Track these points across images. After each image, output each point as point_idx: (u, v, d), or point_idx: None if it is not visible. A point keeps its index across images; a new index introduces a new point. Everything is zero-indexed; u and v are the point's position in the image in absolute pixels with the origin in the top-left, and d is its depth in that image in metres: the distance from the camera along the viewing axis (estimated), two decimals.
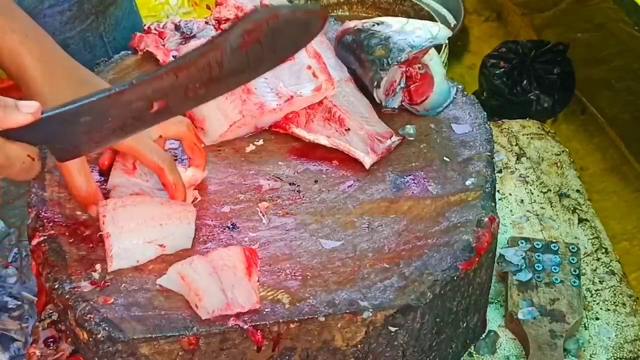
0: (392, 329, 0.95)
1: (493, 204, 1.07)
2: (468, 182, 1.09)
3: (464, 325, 1.07)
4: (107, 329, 0.91)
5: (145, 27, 1.34)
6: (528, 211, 1.32)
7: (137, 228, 0.98)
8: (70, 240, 1.01)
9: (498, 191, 1.33)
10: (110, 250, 0.97)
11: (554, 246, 1.20)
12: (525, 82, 1.96)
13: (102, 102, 0.85)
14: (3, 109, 0.83)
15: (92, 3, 1.41)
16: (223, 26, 1.23)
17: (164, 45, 1.30)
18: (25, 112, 0.83)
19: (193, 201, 1.07)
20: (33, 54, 1.00)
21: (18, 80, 1.01)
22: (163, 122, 1.03)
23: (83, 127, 0.87)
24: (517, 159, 1.41)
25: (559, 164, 1.41)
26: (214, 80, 0.87)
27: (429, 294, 0.95)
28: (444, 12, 2.27)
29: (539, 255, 1.19)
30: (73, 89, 1.00)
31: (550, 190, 1.36)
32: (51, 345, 1.02)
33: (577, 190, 1.36)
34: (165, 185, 1.04)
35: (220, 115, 1.15)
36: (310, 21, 0.87)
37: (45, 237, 1.01)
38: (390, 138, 1.14)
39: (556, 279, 1.16)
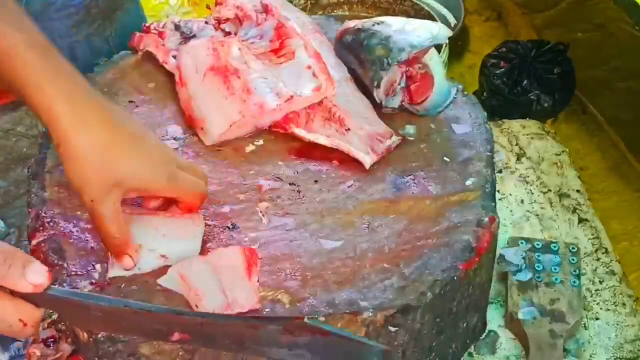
0: (392, 329, 0.95)
1: (493, 204, 1.07)
2: (468, 182, 1.09)
3: (464, 325, 1.07)
4: None
5: (145, 27, 1.34)
6: (528, 211, 1.32)
7: (141, 236, 0.98)
8: (70, 240, 1.01)
9: (498, 191, 1.33)
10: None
11: (554, 246, 1.20)
12: (525, 82, 1.96)
13: (116, 310, 0.79)
14: (8, 267, 0.76)
15: (98, 8, 1.41)
16: None
17: (163, 45, 1.30)
18: (29, 281, 0.77)
19: None
20: (61, 96, 0.90)
21: (47, 124, 0.91)
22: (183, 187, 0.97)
23: (94, 317, 0.80)
24: (517, 159, 1.41)
25: (559, 164, 1.41)
26: (249, 350, 0.79)
27: (429, 294, 0.95)
28: (444, 11, 2.27)
29: (539, 255, 1.19)
30: (105, 134, 0.91)
31: (550, 190, 1.36)
32: (51, 345, 1.02)
33: (577, 190, 1.36)
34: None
35: (220, 115, 1.15)
36: (364, 354, 0.77)
37: (45, 237, 1.01)
38: (390, 138, 1.14)
39: (556, 279, 1.16)
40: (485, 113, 1.21)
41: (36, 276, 0.77)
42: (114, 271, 0.96)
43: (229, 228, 1.04)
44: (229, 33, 1.29)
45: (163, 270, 0.96)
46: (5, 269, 0.76)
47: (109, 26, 1.44)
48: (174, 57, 1.26)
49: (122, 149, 0.92)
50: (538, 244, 1.21)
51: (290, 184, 1.10)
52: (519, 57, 1.99)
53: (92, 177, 0.90)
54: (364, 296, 0.94)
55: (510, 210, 1.32)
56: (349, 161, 1.13)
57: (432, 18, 2.11)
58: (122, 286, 0.95)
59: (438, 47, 1.69)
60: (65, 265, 0.97)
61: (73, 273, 0.96)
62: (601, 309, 1.18)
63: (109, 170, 0.91)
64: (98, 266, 0.97)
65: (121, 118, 0.96)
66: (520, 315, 1.11)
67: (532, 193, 1.35)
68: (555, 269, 1.17)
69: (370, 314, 0.93)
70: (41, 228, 1.02)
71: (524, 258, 1.18)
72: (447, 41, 1.66)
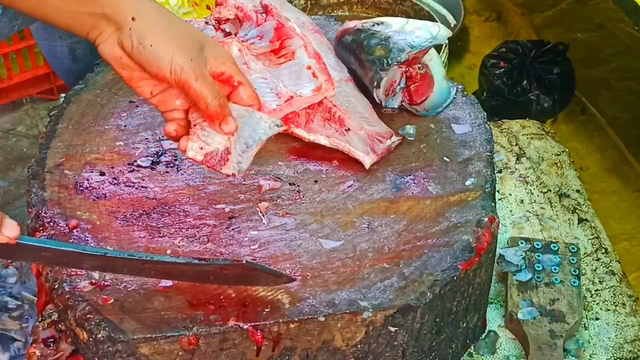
0: (392, 329, 0.95)
1: (493, 204, 1.07)
2: (468, 182, 1.09)
3: (464, 325, 1.07)
4: (107, 329, 0.91)
5: None
6: (528, 211, 1.32)
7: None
8: (70, 241, 1.01)
9: (498, 191, 1.33)
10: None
11: (554, 246, 1.20)
12: (525, 82, 1.96)
13: (88, 258, 0.91)
14: None
15: None
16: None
17: None
18: (4, 234, 0.85)
19: None
20: None
21: (118, 11, 0.95)
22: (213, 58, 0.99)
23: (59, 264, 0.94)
24: (517, 159, 1.41)
25: (559, 164, 1.41)
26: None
27: (429, 294, 0.95)
28: (444, 12, 2.27)
29: (538, 255, 1.19)
30: (174, 16, 0.99)
31: (550, 190, 1.36)
32: (51, 345, 1.02)
33: (577, 190, 1.36)
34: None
35: None
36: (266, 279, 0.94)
37: (45, 237, 1.01)
38: (390, 138, 1.14)
39: (556, 279, 1.16)
40: (485, 113, 1.21)
41: (10, 231, 0.86)
42: (226, 169, 0.98)
43: (229, 228, 1.04)
44: (229, 33, 1.29)
45: None
46: None
47: None
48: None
49: (190, 26, 1.00)
50: (538, 244, 1.21)
51: (290, 184, 1.10)
52: (518, 57, 1.99)
53: (181, 41, 0.95)
54: (364, 296, 0.95)
55: (510, 210, 1.32)
56: (349, 161, 1.13)
57: (431, 18, 2.11)
58: (122, 286, 0.95)
59: (438, 48, 1.69)
60: None
61: (73, 273, 0.96)
62: (601, 309, 1.18)
63: (192, 35, 0.97)
64: None
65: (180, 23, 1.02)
66: (520, 315, 1.11)
67: (532, 193, 1.35)
68: (555, 269, 1.17)
69: (370, 314, 0.93)
70: (41, 228, 1.02)
71: (524, 258, 1.18)
72: (447, 42, 1.66)
